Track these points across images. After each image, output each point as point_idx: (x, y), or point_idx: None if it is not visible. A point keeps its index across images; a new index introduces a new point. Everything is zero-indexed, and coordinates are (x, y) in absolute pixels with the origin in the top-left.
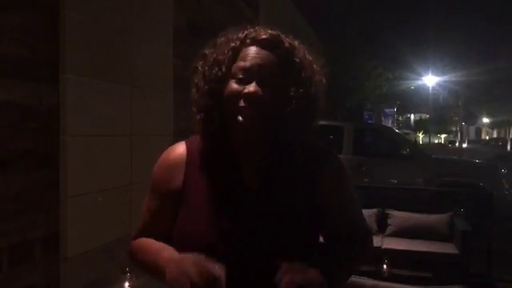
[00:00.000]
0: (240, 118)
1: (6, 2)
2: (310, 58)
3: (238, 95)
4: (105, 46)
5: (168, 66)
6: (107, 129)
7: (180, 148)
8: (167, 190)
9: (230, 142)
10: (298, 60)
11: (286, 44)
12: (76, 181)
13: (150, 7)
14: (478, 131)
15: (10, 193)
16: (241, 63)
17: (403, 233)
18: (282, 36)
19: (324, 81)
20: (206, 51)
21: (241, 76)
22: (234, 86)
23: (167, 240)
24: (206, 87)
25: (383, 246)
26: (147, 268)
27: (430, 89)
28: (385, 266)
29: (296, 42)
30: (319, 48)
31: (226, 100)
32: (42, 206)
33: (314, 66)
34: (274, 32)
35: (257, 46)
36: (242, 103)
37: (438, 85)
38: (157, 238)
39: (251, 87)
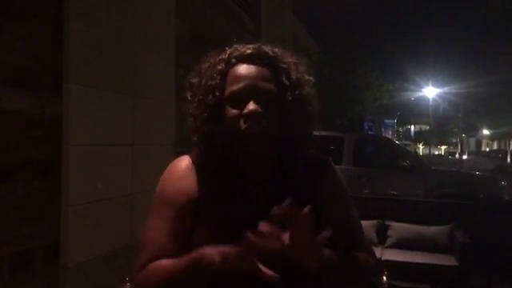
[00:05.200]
0: (245, 140)
1: (12, 14)
2: (295, 60)
3: (239, 118)
4: (108, 57)
5: (170, 76)
6: (109, 138)
7: (185, 161)
8: (183, 200)
9: (234, 158)
10: (284, 65)
11: (270, 53)
12: (77, 190)
13: (153, 18)
14: (479, 143)
15: (12, 201)
16: (234, 87)
17: (403, 244)
18: (263, 46)
19: (312, 79)
20: (193, 80)
21: (236, 99)
22: (232, 111)
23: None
24: (206, 115)
25: (383, 258)
26: (176, 277)
27: (430, 100)
28: (384, 278)
29: (277, 49)
30: (320, 59)
31: (227, 126)
32: (43, 214)
33: (300, 67)
34: (255, 45)
35: (243, 63)
36: (243, 124)
37: (438, 96)
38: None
39: (250, 106)
